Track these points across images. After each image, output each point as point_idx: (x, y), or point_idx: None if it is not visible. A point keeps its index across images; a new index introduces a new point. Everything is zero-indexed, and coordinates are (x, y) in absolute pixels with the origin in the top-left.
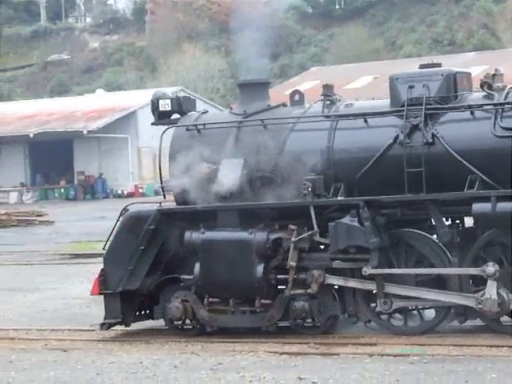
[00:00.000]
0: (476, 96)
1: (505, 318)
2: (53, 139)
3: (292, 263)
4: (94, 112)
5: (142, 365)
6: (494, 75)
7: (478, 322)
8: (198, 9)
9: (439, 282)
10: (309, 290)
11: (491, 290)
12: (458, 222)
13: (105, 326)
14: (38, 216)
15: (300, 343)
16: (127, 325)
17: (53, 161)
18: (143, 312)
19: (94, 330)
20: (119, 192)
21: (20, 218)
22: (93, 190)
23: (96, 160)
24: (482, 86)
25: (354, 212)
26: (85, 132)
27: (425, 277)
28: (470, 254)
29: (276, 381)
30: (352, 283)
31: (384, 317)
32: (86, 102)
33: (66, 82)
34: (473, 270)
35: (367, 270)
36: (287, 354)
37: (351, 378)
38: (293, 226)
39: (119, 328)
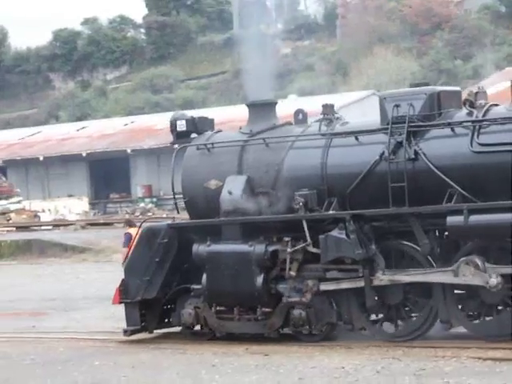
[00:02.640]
0: (459, 113)
1: None
2: None
3: (292, 273)
4: (288, 117)
5: (344, 370)
6: (476, 93)
7: (462, 329)
8: (388, 11)
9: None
10: (303, 299)
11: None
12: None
13: (127, 332)
14: None
15: (504, 348)
16: (150, 331)
17: None
18: (166, 319)
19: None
20: None
21: None
22: None
23: None
24: (464, 104)
25: (342, 225)
26: None
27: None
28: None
29: None
30: (345, 284)
31: (377, 324)
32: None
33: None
34: (477, 281)
35: (380, 276)
36: (491, 359)
37: None
38: (287, 238)
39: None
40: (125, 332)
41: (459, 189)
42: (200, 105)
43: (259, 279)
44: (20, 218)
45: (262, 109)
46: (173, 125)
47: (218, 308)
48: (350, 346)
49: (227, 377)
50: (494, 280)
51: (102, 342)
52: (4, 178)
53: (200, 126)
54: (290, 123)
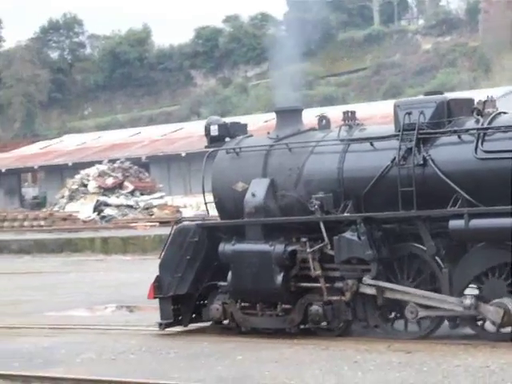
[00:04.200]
0: (469, 121)
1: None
2: None
3: (317, 272)
4: None
5: (489, 369)
6: (485, 101)
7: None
8: None
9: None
10: (343, 298)
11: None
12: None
13: (162, 326)
14: None
15: None
16: (185, 325)
17: None
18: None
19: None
20: None
21: None
22: None
23: None
24: (472, 112)
25: (355, 227)
26: None
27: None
28: (460, 265)
29: None
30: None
31: (388, 323)
32: None
33: (399, 84)
34: (452, 299)
35: (366, 280)
36: None
37: None
38: (304, 239)
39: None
40: (160, 325)
41: (464, 194)
42: (340, 101)
43: (279, 277)
44: (162, 213)
45: (288, 115)
46: (206, 129)
47: (242, 304)
48: (495, 345)
49: (370, 374)
50: (469, 301)
51: (244, 336)
52: (147, 174)
53: (232, 130)
54: (314, 129)
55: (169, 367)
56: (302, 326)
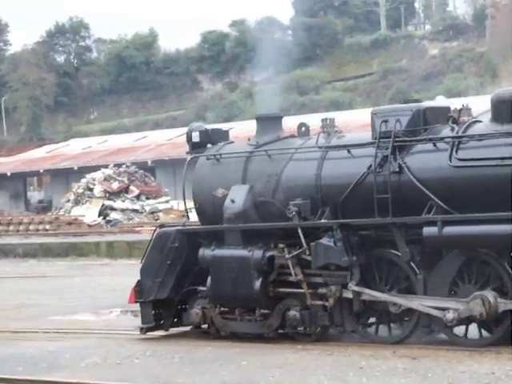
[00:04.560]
0: (445, 129)
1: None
2: None
3: (299, 277)
4: None
5: (495, 375)
6: (460, 110)
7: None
8: None
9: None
10: (326, 304)
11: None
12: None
13: (143, 330)
14: None
15: None
16: (166, 329)
17: None
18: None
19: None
20: None
21: None
22: None
23: None
24: (447, 120)
25: (331, 233)
26: None
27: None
28: (435, 271)
29: None
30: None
31: (366, 328)
32: None
33: (406, 89)
34: (436, 312)
35: (351, 286)
36: None
37: None
38: (281, 245)
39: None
40: (140, 329)
41: (438, 201)
42: (346, 106)
43: (257, 283)
44: (168, 218)
45: (268, 122)
46: (188, 136)
47: (221, 309)
48: (500, 351)
49: (375, 380)
50: (451, 315)
51: (249, 341)
52: (153, 178)
53: (214, 137)
54: (293, 136)
55: (173, 372)
56: (280, 331)
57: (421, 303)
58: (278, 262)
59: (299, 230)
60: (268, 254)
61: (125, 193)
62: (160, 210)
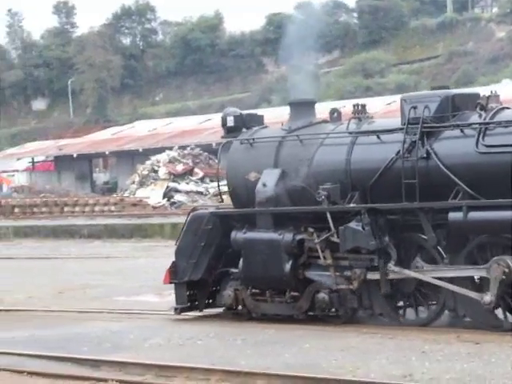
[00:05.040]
0: (473, 116)
1: None
2: None
3: (328, 262)
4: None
5: None
6: (488, 96)
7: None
8: None
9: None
10: (351, 287)
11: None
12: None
13: (177, 310)
14: None
15: None
16: (200, 310)
17: None
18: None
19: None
20: None
21: None
22: None
23: None
24: (475, 107)
25: (359, 217)
26: None
27: None
28: (461, 255)
29: None
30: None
31: (394, 310)
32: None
33: (472, 72)
34: (473, 294)
35: (391, 266)
36: None
37: None
38: (311, 229)
39: None
40: (175, 310)
41: (464, 186)
42: (412, 89)
43: (287, 265)
44: None
45: (301, 107)
46: (223, 120)
47: (253, 290)
48: None
49: (437, 364)
50: (488, 298)
51: (312, 324)
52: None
53: (248, 121)
54: (326, 121)
55: (236, 354)
56: (310, 313)
57: (442, 275)
58: (308, 245)
59: (328, 214)
60: (298, 237)
61: (189, 175)
62: (224, 192)
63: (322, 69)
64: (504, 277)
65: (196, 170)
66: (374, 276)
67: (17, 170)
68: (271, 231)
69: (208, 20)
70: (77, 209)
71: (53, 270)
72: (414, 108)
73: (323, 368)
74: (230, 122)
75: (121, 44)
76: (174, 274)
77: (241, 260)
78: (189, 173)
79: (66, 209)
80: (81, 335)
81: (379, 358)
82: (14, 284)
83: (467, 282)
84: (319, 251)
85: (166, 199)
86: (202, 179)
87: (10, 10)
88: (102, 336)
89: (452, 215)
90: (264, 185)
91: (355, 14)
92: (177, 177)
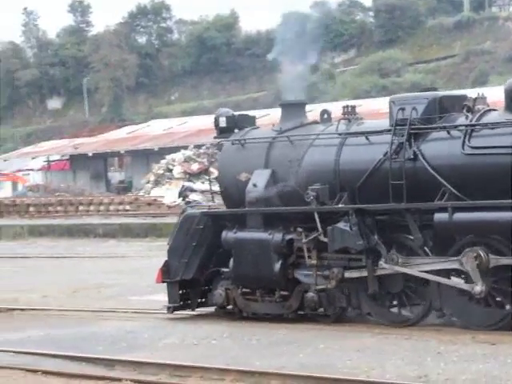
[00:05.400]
0: (460, 118)
1: None
2: None
3: (313, 261)
4: None
5: None
6: (475, 98)
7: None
8: None
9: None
10: (328, 285)
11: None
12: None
13: (170, 309)
14: None
15: None
16: (192, 309)
17: None
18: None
19: None
20: None
21: None
22: None
23: None
24: (462, 108)
25: (347, 218)
26: None
27: None
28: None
29: None
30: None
31: (381, 309)
32: None
33: (488, 71)
34: (465, 286)
35: (382, 264)
36: None
37: None
38: (300, 229)
39: None
40: (168, 308)
41: (450, 187)
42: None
43: (277, 265)
44: None
45: (292, 108)
46: (216, 121)
47: (243, 290)
48: None
49: (453, 365)
50: (479, 288)
51: (327, 324)
52: None
53: (240, 122)
54: (316, 122)
55: (250, 354)
56: (299, 312)
57: (420, 269)
58: (297, 245)
59: (315, 215)
60: (287, 237)
61: (204, 174)
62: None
63: (338, 68)
64: (478, 262)
65: (211, 169)
66: (351, 275)
67: (32, 169)
68: (261, 231)
69: (223, 19)
70: (92, 208)
71: (67, 269)
72: (402, 109)
73: (338, 368)
74: (223, 122)
75: (136, 43)
76: (166, 273)
77: (231, 259)
78: (204, 172)
79: (80, 208)
80: (95, 334)
81: (394, 359)
82: (29, 283)
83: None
84: (305, 251)
85: (180, 198)
86: (217, 178)
87: (25, 9)
88: (117, 335)
89: (437, 216)
90: (254, 185)
91: (371, 13)
92: (192, 176)
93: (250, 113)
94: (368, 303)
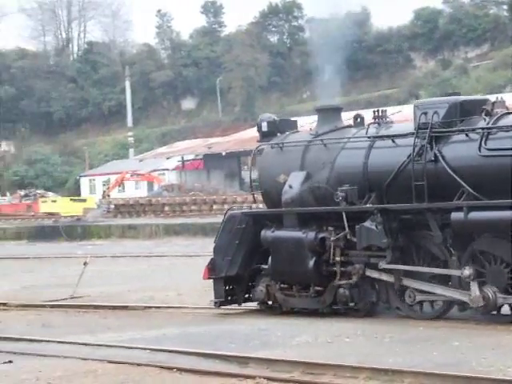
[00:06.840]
0: (478, 121)
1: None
2: None
3: (337, 258)
4: None
5: None
6: (494, 102)
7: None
8: None
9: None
10: (350, 281)
11: (474, 289)
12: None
13: (216, 304)
14: None
15: None
16: (239, 304)
17: None
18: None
19: None
20: None
21: None
22: None
23: None
24: (481, 112)
25: (373, 217)
26: None
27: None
28: (466, 254)
29: None
30: (384, 277)
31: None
32: None
33: None
34: (454, 272)
35: (382, 265)
36: None
37: None
38: (330, 228)
39: None
40: (214, 303)
41: (468, 188)
42: None
43: (311, 262)
44: None
45: (327, 113)
46: (259, 126)
47: (281, 285)
48: None
49: None
50: (467, 271)
51: (459, 322)
52: None
53: (281, 127)
54: (350, 126)
55: (384, 351)
56: (333, 307)
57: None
58: (329, 242)
59: (343, 214)
60: (320, 235)
61: None
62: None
63: (471, 63)
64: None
65: None
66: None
67: (167, 169)
68: (296, 230)
69: (355, 15)
70: (225, 207)
71: (201, 268)
72: (425, 114)
73: (472, 367)
74: (265, 127)
75: (268, 42)
76: (211, 270)
77: (270, 257)
78: None
79: (214, 207)
80: (229, 332)
81: None
82: (165, 281)
83: None
84: (331, 249)
85: None
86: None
87: (159, 11)
88: (250, 333)
89: (454, 215)
90: (290, 186)
91: (505, 7)
92: None
93: (382, 109)
94: (397, 299)
